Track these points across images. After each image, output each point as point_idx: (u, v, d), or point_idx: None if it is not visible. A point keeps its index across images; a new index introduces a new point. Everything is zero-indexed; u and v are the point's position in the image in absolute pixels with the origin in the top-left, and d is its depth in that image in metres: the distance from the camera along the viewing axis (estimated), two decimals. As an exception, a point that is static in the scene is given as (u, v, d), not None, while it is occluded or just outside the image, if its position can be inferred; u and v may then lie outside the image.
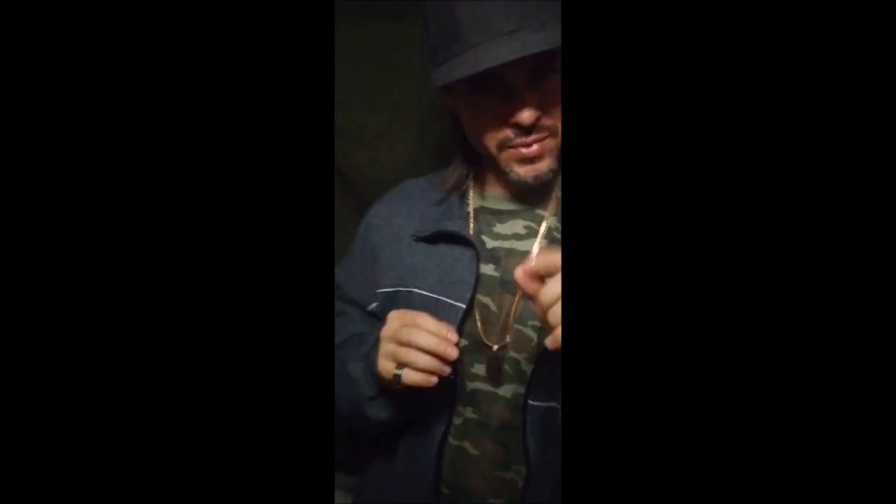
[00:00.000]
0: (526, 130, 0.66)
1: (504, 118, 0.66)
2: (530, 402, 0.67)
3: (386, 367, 0.65)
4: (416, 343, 0.62)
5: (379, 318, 0.74)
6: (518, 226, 0.72)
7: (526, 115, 0.64)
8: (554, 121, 0.67)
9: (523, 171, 0.69)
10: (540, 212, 0.73)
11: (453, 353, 0.62)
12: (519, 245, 0.72)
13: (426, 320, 0.63)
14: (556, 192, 0.72)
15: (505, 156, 0.69)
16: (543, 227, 0.71)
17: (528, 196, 0.73)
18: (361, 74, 1.14)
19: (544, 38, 0.61)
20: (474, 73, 0.60)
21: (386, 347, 0.65)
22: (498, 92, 0.65)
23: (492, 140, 0.68)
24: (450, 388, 0.69)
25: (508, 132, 0.67)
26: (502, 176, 0.72)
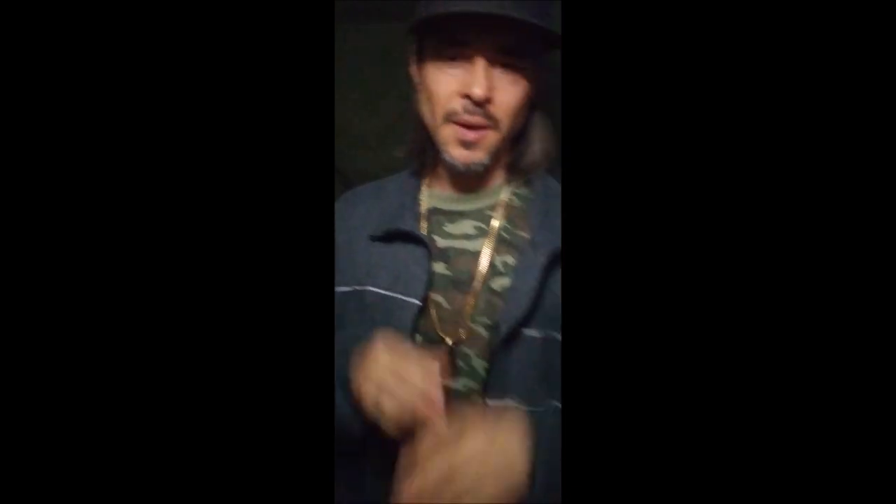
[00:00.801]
0: (474, 107, 0.68)
1: (459, 88, 0.69)
2: (488, 401, 0.68)
3: (370, 392, 0.63)
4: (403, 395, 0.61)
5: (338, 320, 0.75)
6: (468, 226, 0.75)
7: (478, 90, 0.67)
8: (501, 115, 0.70)
9: (457, 154, 0.71)
10: (489, 213, 0.75)
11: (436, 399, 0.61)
12: (469, 245, 0.74)
13: (413, 373, 0.61)
14: (505, 196, 0.76)
15: (446, 131, 0.71)
16: (494, 228, 0.74)
17: (476, 199, 0.76)
18: (361, 74, 1.14)
19: (521, 13, 0.64)
20: (450, 13, 0.64)
21: (374, 383, 0.63)
22: (461, 63, 0.68)
23: (441, 109, 0.70)
24: None
25: (457, 104, 0.69)
26: (445, 167, 0.75)
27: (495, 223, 0.75)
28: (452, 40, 0.68)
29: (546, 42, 0.72)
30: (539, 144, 0.76)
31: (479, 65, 0.68)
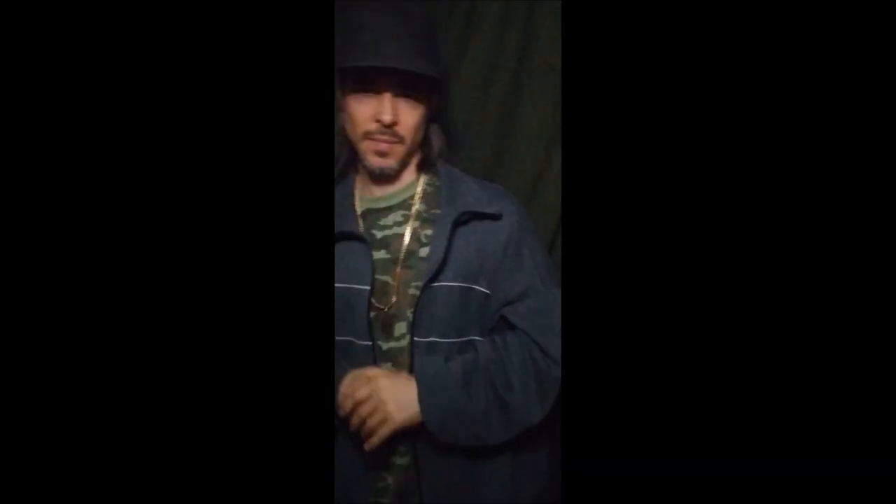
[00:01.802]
0: (384, 128, 0.91)
1: (372, 114, 0.91)
2: (415, 338, 0.91)
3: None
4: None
5: None
6: (397, 216, 0.97)
7: (386, 117, 0.90)
8: (405, 133, 0.93)
9: (374, 161, 0.94)
10: (410, 202, 0.98)
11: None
12: (399, 230, 0.96)
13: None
14: (420, 187, 0.99)
15: (365, 145, 0.94)
16: (414, 211, 0.97)
17: (398, 194, 0.98)
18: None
19: (417, 65, 0.89)
20: (368, 66, 0.87)
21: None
22: (373, 95, 0.92)
23: (360, 129, 0.93)
24: (368, 351, 0.92)
25: (372, 126, 0.92)
26: (367, 173, 0.97)
27: (415, 207, 0.97)
28: (366, 80, 0.91)
29: (434, 83, 0.95)
30: (436, 144, 1.00)
31: (387, 98, 0.91)
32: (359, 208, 0.99)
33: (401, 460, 0.92)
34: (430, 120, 0.98)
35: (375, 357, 0.92)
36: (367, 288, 0.91)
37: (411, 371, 0.91)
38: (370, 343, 0.91)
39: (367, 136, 0.93)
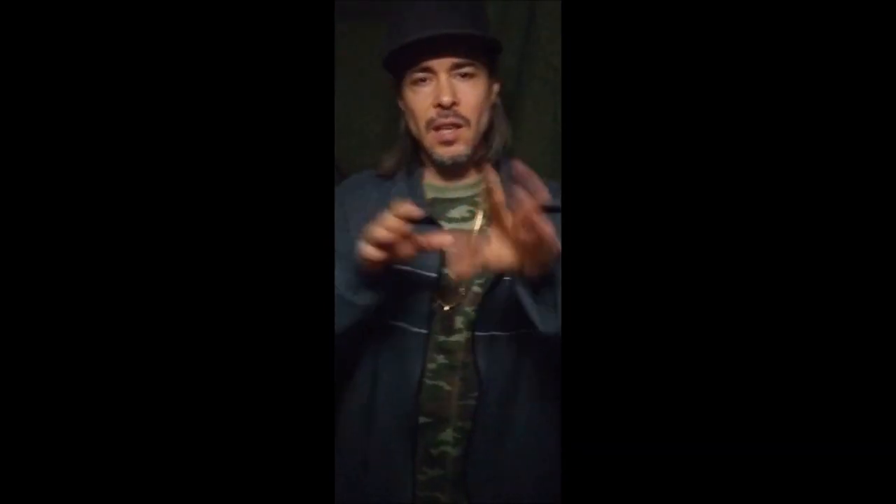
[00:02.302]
0: (446, 111, 0.89)
1: (431, 101, 0.89)
2: (476, 333, 0.90)
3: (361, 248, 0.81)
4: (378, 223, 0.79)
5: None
6: (463, 210, 0.96)
7: (445, 98, 0.88)
8: (468, 114, 0.90)
9: (442, 152, 0.92)
10: (476, 199, 0.96)
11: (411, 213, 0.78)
12: (465, 225, 0.95)
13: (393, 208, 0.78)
14: (486, 184, 0.94)
15: (430, 137, 0.92)
16: (481, 208, 0.94)
17: (464, 189, 0.97)
18: (361, 74, 1.14)
19: (459, 28, 0.86)
20: (415, 40, 0.85)
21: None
22: (429, 83, 0.90)
23: (422, 120, 0.91)
24: (421, 341, 0.90)
25: (433, 113, 0.90)
26: (433, 164, 0.95)
27: (483, 204, 0.95)
28: (418, 68, 0.89)
29: (488, 49, 0.92)
30: (499, 137, 0.97)
31: (442, 79, 0.89)
32: (428, 195, 0.97)
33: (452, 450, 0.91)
34: (493, 104, 0.96)
35: (426, 348, 0.91)
36: (435, 276, 0.90)
37: (468, 367, 0.90)
38: (426, 332, 0.90)
39: (430, 126, 0.91)
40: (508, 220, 0.75)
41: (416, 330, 0.91)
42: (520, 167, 0.71)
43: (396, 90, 0.95)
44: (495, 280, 0.89)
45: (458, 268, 0.85)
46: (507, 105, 1.17)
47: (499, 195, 0.76)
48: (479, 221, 0.94)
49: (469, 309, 0.91)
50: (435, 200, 0.96)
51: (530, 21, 1.18)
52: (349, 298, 0.85)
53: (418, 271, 0.90)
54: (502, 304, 0.89)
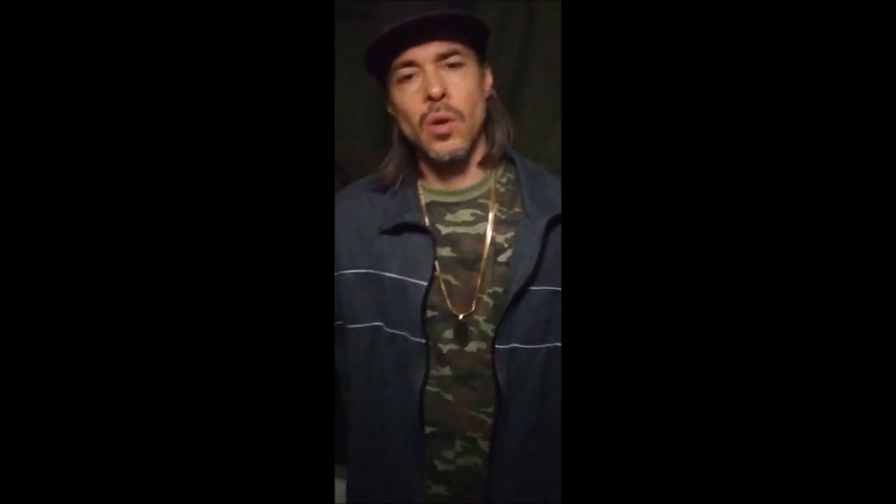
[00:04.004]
0: (437, 104, 0.83)
1: (420, 95, 0.84)
2: (496, 346, 0.85)
3: None
4: None
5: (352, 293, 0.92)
6: (465, 214, 0.90)
7: (434, 89, 0.82)
8: (461, 106, 0.85)
9: (439, 148, 0.86)
10: (482, 201, 0.90)
11: None
12: (470, 230, 0.89)
13: None
14: (492, 185, 0.91)
15: (425, 135, 0.86)
16: (491, 212, 0.89)
17: (467, 192, 0.91)
18: (361, 74, 1.14)
19: (443, 8, 0.81)
20: (393, 28, 0.80)
21: None
22: (416, 77, 0.85)
23: (415, 117, 0.85)
24: (422, 350, 0.86)
25: (424, 108, 0.84)
26: (430, 163, 0.90)
27: (491, 207, 0.89)
28: (402, 63, 0.84)
29: (475, 35, 0.87)
30: (500, 131, 0.91)
31: (429, 70, 0.83)
32: (423, 199, 0.91)
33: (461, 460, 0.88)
34: (487, 97, 0.90)
35: (429, 358, 0.87)
36: (425, 284, 0.86)
37: (480, 377, 0.86)
38: (424, 341, 0.86)
39: (423, 121, 0.85)
40: None
41: (415, 339, 0.87)
42: None
43: (385, 95, 0.91)
44: (519, 291, 0.84)
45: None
46: (507, 105, 1.17)
47: None
48: (488, 231, 0.89)
49: (480, 318, 0.87)
50: (433, 204, 0.91)
51: (530, 21, 1.18)
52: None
53: (407, 279, 0.87)
54: (526, 317, 0.85)
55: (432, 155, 0.87)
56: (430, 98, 0.83)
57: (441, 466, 0.88)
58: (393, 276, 0.88)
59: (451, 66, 0.84)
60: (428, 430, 0.88)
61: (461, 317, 0.87)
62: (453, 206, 0.91)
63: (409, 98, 0.85)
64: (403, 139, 0.91)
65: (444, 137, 0.85)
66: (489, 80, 0.90)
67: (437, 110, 0.84)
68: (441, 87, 0.83)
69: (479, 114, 0.88)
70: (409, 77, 0.85)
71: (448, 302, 0.88)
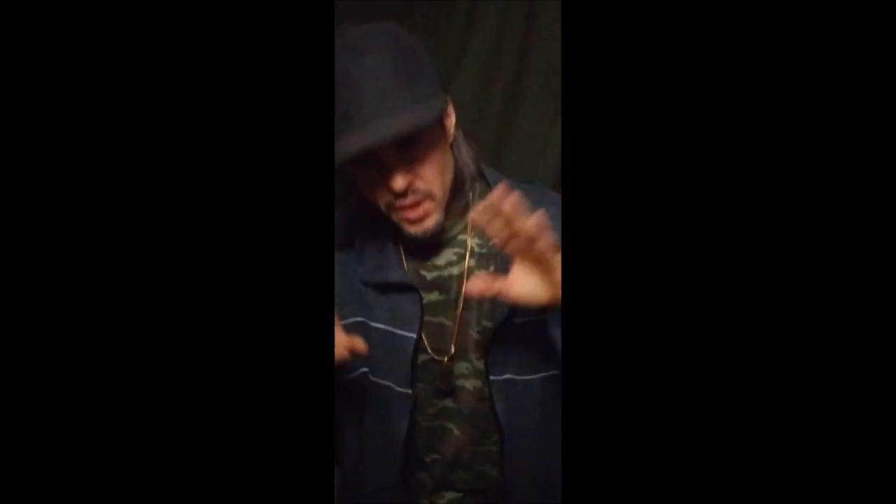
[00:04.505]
0: (402, 194, 0.75)
1: (383, 185, 0.76)
2: (491, 377, 0.83)
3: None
4: None
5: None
6: (449, 254, 0.85)
7: (398, 183, 0.74)
8: (428, 185, 0.77)
9: (413, 230, 0.79)
10: (462, 237, 0.85)
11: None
12: (454, 270, 0.85)
13: None
14: (468, 218, 0.83)
15: (395, 217, 0.79)
16: (469, 247, 0.85)
17: (448, 230, 0.84)
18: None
19: (395, 124, 0.71)
20: (361, 148, 0.71)
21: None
22: (371, 164, 0.75)
23: (381, 202, 0.79)
24: (408, 399, 0.84)
25: (388, 197, 0.77)
26: (409, 241, 0.83)
27: (469, 242, 0.85)
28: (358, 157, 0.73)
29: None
30: (466, 170, 0.82)
31: (389, 163, 0.74)
32: (402, 248, 0.86)
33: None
34: (451, 142, 0.81)
35: (414, 408, 0.85)
36: (414, 336, 0.83)
37: (479, 414, 0.85)
38: (410, 391, 0.84)
39: (391, 208, 0.78)
40: (545, 251, 0.68)
41: (400, 390, 0.84)
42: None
43: (352, 193, 0.83)
44: (501, 322, 0.81)
45: (476, 287, 0.74)
46: (507, 105, 1.17)
47: (533, 227, 0.66)
48: (468, 263, 0.85)
49: (473, 356, 0.85)
50: (413, 251, 0.85)
51: (530, 21, 1.18)
52: None
53: (396, 331, 0.84)
54: (516, 347, 0.83)
55: (406, 234, 0.80)
56: (392, 191, 0.75)
57: (449, 496, 0.89)
58: (380, 326, 0.85)
59: (411, 145, 0.75)
60: (430, 457, 0.88)
61: (445, 360, 0.85)
62: (437, 248, 0.85)
63: (368, 183, 0.78)
64: (364, 203, 0.82)
65: (415, 222, 0.78)
66: (452, 119, 0.81)
67: (405, 198, 0.76)
68: (405, 179, 0.75)
69: (449, 175, 0.80)
70: (363, 160, 0.74)
71: (439, 345, 0.85)
